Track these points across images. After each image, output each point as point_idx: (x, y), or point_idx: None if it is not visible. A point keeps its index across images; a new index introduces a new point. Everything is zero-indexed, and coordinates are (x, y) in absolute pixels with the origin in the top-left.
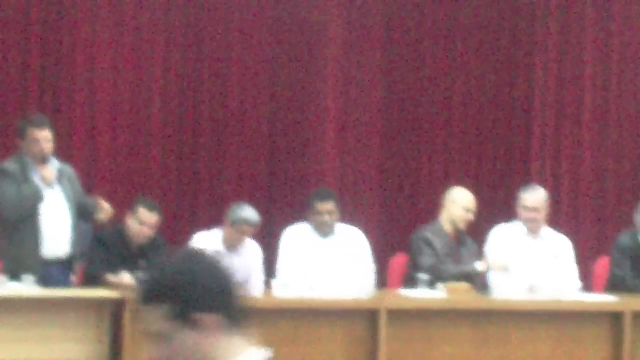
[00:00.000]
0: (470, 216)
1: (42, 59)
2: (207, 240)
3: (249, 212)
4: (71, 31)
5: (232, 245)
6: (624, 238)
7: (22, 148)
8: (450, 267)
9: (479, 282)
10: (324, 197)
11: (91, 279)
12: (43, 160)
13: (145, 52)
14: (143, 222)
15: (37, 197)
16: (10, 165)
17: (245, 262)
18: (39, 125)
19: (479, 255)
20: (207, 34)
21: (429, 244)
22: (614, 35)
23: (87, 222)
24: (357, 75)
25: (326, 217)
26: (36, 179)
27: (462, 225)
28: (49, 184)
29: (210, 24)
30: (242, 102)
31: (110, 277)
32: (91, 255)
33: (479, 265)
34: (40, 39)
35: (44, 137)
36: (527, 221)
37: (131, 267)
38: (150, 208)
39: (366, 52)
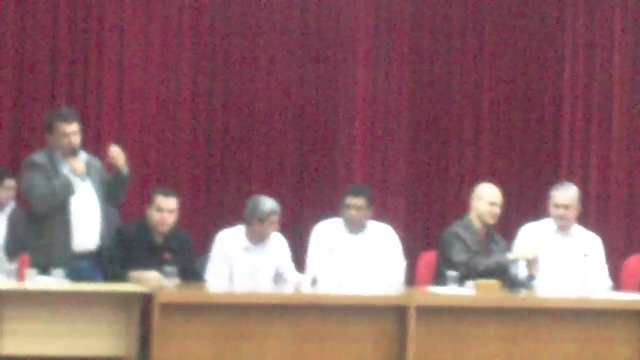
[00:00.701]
0: (497, 210)
1: (71, 53)
2: (231, 238)
3: (271, 203)
4: (100, 25)
5: (261, 239)
6: None
7: (51, 142)
8: (483, 260)
9: (510, 276)
10: (355, 193)
11: (110, 278)
12: (72, 153)
13: (174, 48)
14: (161, 208)
15: (68, 190)
16: (40, 157)
17: (273, 256)
18: (67, 119)
19: (509, 251)
20: (236, 28)
21: (460, 239)
22: None
23: (117, 204)
24: (386, 72)
25: (353, 212)
26: (66, 172)
27: (490, 220)
28: (79, 176)
29: (239, 17)
30: (271, 97)
31: (135, 274)
32: (111, 253)
33: (510, 255)
34: (69, 34)
35: (73, 131)
36: (557, 218)
37: (157, 260)
38: (167, 194)
39: (394, 49)
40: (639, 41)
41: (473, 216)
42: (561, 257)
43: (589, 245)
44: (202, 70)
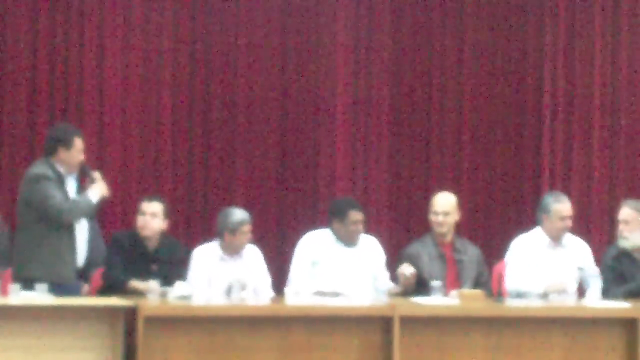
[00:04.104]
0: (440, 218)
1: (50, 64)
2: (207, 253)
3: (241, 213)
4: (80, 34)
5: (236, 250)
6: (610, 250)
7: (62, 157)
8: None
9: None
10: (357, 207)
11: (112, 284)
12: (75, 171)
13: (154, 57)
14: (143, 212)
15: (92, 209)
16: (48, 171)
17: (247, 266)
18: (82, 137)
19: (482, 261)
20: (215, 39)
21: (412, 260)
22: (622, 37)
23: (92, 219)
24: (366, 80)
25: (359, 227)
26: (70, 188)
27: (438, 230)
28: (99, 198)
29: (219, 27)
30: (252, 107)
31: (135, 284)
32: (110, 260)
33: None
34: (49, 43)
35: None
36: (563, 230)
37: (145, 270)
38: (150, 199)
39: (375, 57)
40: (619, 48)
41: (433, 229)
42: (556, 268)
43: (580, 255)
44: (182, 83)
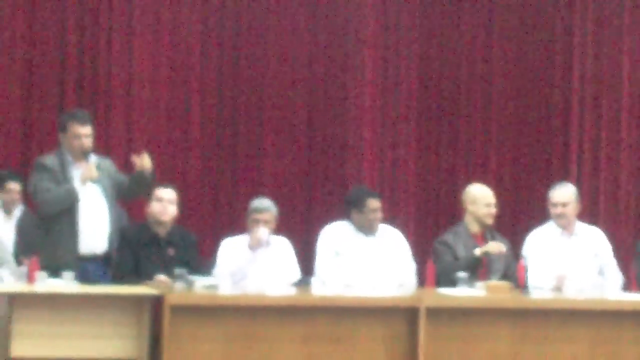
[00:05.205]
0: (494, 210)
1: (80, 55)
2: (234, 244)
3: (258, 201)
4: (109, 22)
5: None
6: None
7: (63, 143)
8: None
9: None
10: (375, 195)
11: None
12: (83, 156)
13: (183, 51)
14: (160, 198)
15: (72, 197)
16: (50, 160)
17: (274, 257)
18: (82, 121)
19: (510, 252)
20: (244, 36)
21: (449, 248)
22: None
23: (145, 193)
24: (394, 72)
25: (378, 215)
26: (75, 176)
27: (489, 221)
28: (91, 181)
29: (248, 23)
30: (280, 100)
31: (161, 278)
32: (119, 259)
33: (477, 251)
34: (77, 35)
35: (85, 133)
36: (556, 217)
37: (161, 256)
38: (165, 185)
39: (403, 50)
40: None
41: (469, 220)
42: (570, 258)
43: (595, 242)
44: (211, 75)
